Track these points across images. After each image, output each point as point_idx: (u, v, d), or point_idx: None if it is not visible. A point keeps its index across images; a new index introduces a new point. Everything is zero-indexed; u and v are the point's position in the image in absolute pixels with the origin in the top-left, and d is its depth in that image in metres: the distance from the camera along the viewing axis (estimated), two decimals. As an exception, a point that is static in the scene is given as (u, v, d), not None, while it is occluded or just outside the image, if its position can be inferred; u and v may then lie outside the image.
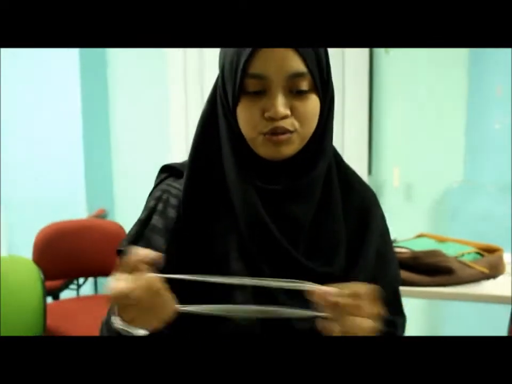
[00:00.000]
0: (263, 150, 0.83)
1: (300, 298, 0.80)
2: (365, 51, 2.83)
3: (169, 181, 0.92)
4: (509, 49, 2.65)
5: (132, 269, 0.69)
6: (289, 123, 0.80)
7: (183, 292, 0.75)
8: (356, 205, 0.92)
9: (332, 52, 0.88)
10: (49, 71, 3.27)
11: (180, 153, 3.21)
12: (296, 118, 0.81)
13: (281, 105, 0.78)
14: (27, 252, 2.48)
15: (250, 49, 0.78)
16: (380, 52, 2.89)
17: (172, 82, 3.18)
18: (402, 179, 2.93)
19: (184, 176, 0.88)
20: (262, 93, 0.80)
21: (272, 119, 0.79)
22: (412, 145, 2.93)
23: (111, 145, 3.46)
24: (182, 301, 0.75)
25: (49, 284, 2.50)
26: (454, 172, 2.86)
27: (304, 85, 0.80)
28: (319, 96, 0.83)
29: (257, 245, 0.84)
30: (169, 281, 0.74)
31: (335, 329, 0.71)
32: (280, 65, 0.78)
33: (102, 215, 2.95)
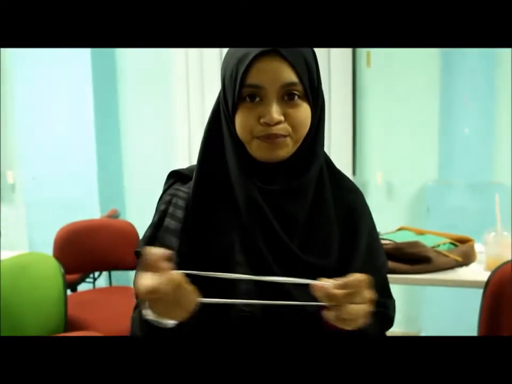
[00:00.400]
0: (259, 153, 0.84)
1: (300, 290, 0.81)
2: (348, 65, 2.86)
3: (177, 185, 0.92)
4: (476, 62, 2.70)
5: (153, 267, 0.69)
6: (282, 128, 0.82)
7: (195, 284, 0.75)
8: (346, 204, 0.93)
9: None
10: (63, 73, 3.21)
11: (184, 156, 3.22)
12: (289, 123, 0.82)
13: (275, 112, 0.80)
14: (45, 249, 2.48)
15: (248, 61, 0.80)
16: (362, 65, 2.93)
17: (176, 88, 3.19)
18: (383, 179, 2.97)
19: (193, 178, 0.89)
20: (258, 101, 0.82)
21: (267, 125, 0.81)
22: (392, 149, 2.97)
23: (122, 150, 3.46)
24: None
25: (68, 277, 2.51)
26: (429, 171, 2.90)
27: (296, 94, 0.82)
28: (309, 104, 0.84)
29: (258, 238, 0.84)
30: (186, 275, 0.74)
31: (336, 317, 0.73)
32: (274, 76, 0.80)
33: (114, 215, 2.96)
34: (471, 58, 2.68)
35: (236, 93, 0.82)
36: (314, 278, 0.83)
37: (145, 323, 0.76)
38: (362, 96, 2.98)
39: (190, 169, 0.94)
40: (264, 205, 0.84)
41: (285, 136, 0.82)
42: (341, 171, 0.97)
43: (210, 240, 0.86)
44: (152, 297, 0.69)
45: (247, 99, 0.82)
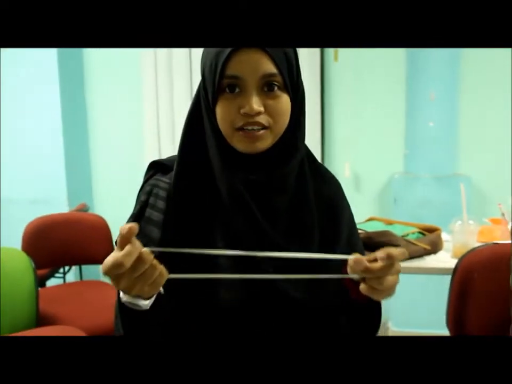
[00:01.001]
0: (240, 145, 0.84)
1: (282, 269, 0.83)
2: (316, 60, 2.91)
3: (158, 176, 0.92)
4: (440, 57, 2.78)
5: (121, 243, 0.67)
6: (263, 119, 0.82)
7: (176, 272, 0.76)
8: (327, 195, 0.94)
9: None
10: (29, 71, 3.18)
11: (152, 150, 3.20)
12: (269, 114, 0.82)
13: (255, 102, 0.80)
14: (12, 245, 2.42)
15: (227, 52, 0.79)
16: (330, 59, 2.98)
17: (145, 83, 3.16)
18: (351, 171, 3.02)
19: (174, 169, 0.89)
20: (238, 92, 0.81)
21: (248, 115, 0.81)
22: (359, 142, 3.02)
23: (90, 145, 3.41)
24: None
25: (37, 272, 2.47)
26: (396, 164, 2.96)
27: (276, 85, 0.82)
28: (289, 95, 0.84)
29: (240, 228, 0.85)
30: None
31: (371, 289, 0.76)
32: (253, 67, 0.80)
33: (83, 209, 2.91)
34: (435, 53, 2.76)
35: (215, 84, 0.82)
36: (295, 269, 0.85)
37: (122, 306, 0.76)
38: (330, 90, 3.02)
39: (170, 159, 0.94)
40: (247, 194, 0.85)
41: (265, 127, 0.83)
42: (320, 162, 0.98)
43: (193, 231, 0.86)
44: (114, 272, 0.67)
45: (227, 90, 0.82)
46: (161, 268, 0.70)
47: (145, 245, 0.79)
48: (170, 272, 0.72)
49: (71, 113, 3.26)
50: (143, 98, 3.18)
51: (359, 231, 1.88)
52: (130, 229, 0.66)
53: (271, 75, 0.81)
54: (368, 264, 0.75)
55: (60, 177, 3.17)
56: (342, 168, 3.01)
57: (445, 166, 2.83)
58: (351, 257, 0.76)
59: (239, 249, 0.83)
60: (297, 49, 0.89)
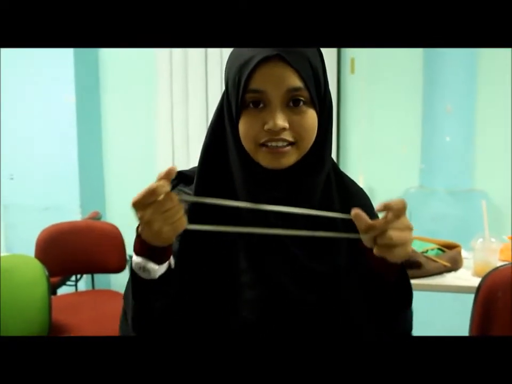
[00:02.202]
0: (264, 161, 0.81)
1: (306, 287, 0.82)
2: (333, 71, 2.89)
3: (181, 186, 0.90)
4: (457, 71, 2.75)
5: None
6: (288, 135, 0.79)
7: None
8: (352, 207, 0.91)
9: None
10: (45, 73, 3.17)
11: (166, 159, 3.18)
12: (294, 131, 0.79)
13: (279, 118, 0.77)
14: (23, 251, 2.41)
15: (252, 66, 0.77)
16: (346, 72, 2.96)
17: (159, 91, 3.15)
18: (366, 184, 2.99)
19: (195, 182, 0.87)
20: (262, 107, 0.79)
21: (271, 131, 0.78)
22: (374, 155, 2.99)
23: (103, 152, 3.41)
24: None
25: (49, 280, 2.45)
26: (411, 178, 2.93)
27: (302, 99, 0.79)
28: (316, 110, 0.81)
29: (263, 246, 0.83)
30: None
31: (379, 246, 0.74)
32: (278, 81, 0.77)
33: (96, 217, 2.89)
34: (452, 65, 2.73)
35: (239, 98, 0.80)
36: (320, 287, 0.84)
37: (132, 274, 0.77)
38: (346, 102, 3.00)
39: (193, 170, 0.91)
40: (269, 212, 0.82)
41: (290, 144, 0.80)
42: (348, 176, 0.96)
43: (214, 247, 0.84)
44: (145, 199, 0.68)
45: (251, 105, 0.79)
46: (182, 214, 0.72)
47: None
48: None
49: (86, 120, 3.25)
50: (158, 105, 3.17)
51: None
52: (171, 169, 0.70)
53: (296, 89, 0.78)
54: (368, 219, 0.74)
55: (73, 185, 3.16)
56: (356, 181, 2.97)
57: (461, 181, 2.80)
58: (357, 210, 0.75)
59: (263, 270, 0.82)
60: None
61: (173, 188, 0.91)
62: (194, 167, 0.92)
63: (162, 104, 3.15)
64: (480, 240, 1.85)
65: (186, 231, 0.83)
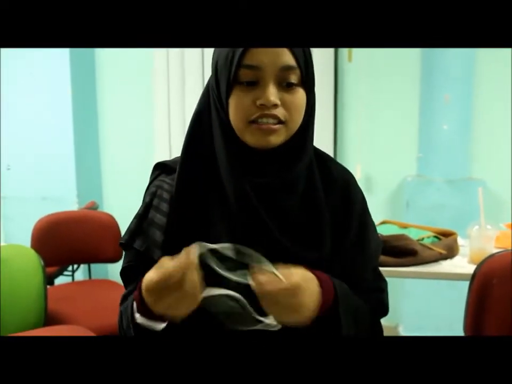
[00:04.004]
0: (252, 138, 0.80)
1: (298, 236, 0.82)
2: (330, 60, 2.86)
3: (162, 177, 0.90)
4: (455, 60, 2.72)
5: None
6: (279, 112, 0.79)
7: None
8: (338, 193, 0.89)
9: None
10: (42, 70, 3.17)
11: (163, 149, 3.16)
12: (285, 109, 0.79)
13: (272, 94, 0.77)
14: (21, 242, 2.39)
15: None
16: (343, 60, 2.93)
17: (155, 82, 3.13)
18: (363, 173, 2.97)
19: (177, 170, 0.86)
20: (255, 83, 0.78)
21: (264, 106, 0.77)
22: (372, 144, 2.97)
23: (100, 142, 3.39)
24: None
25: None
26: (409, 167, 2.91)
27: (294, 79, 0.79)
28: (305, 91, 0.81)
29: (248, 232, 0.82)
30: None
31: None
32: (273, 58, 0.77)
33: (93, 207, 2.88)
34: (450, 55, 2.70)
35: (231, 74, 0.78)
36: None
37: (136, 326, 0.77)
38: (343, 90, 2.98)
39: (174, 161, 0.91)
40: (255, 198, 0.81)
41: (280, 122, 0.79)
42: (333, 159, 0.94)
43: (198, 234, 0.82)
44: (162, 285, 0.70)
45: (243, 81, 0.79)
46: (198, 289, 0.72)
47: (148, 247, 0.84)
48: None
49: (82, 111, 3.24)
50: (154, 98, 3.15)
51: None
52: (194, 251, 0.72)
53: (290, 67, 0.79)
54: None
55: (69, 175, 3.15)
56: (353, 169, 2.94)
57: (459, 170, 2.78)
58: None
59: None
60: (311, 48, 0.85)
61: (155, 178, 0.91)
62: (176, 158, 0.92)
63: (159, 95, 3.13)
64: (476, 227, 1.84)
65: (171, 224, 0.84)
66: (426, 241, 1.89)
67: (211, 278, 0.75)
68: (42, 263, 2.08)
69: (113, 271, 3.08)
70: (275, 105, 0.78)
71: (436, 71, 2.76)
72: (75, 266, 2.79)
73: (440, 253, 1.85)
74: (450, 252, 1.88)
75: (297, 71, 0.79)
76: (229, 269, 0.76)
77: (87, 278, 2.78)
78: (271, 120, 0.79)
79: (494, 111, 2.76)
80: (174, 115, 3.11)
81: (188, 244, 0.80)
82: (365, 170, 2.97)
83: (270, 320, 0.75)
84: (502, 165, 2.75)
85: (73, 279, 2.76)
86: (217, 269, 0.75)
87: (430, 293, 2.55)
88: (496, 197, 2.73)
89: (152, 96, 3.14)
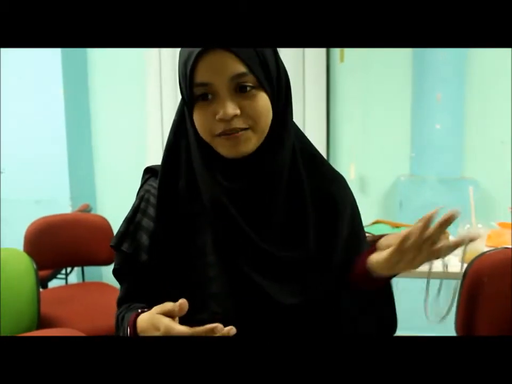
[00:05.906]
0: (223, 150, 0.81)
1: (274, 277, 0.82)
2: (322, 61, 2.87)
3: (151, 181, 0.91)
4: (447, 60, 2.74)
5: None
6: (240, 122, 0.78)
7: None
8: (325, 193, 0.89)
9: (291, 58, 0.86)
10: (34, 72, 3.15)
11: (156, 152, 3.15)
12: (246, 116, 0.78)
13: (229, 106, 0.77)
14: (15, 245, 2.39)
15: (193, 59, 0.76)
16: (335, 60, 2.94)
17: (148, 84, 3.12)
18: (357, 173, 2.98)
19: (158, 178, 0.87)
20: (211, 98, 0.78)
21: (223, 120, 0.77)
22: (365, 144, 2.98)
23: (93, 145, 3.38)
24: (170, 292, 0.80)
25: (39, 273, 2.43)
26: (401, 166, 2.92)
27: (250, 83, 0.78)
28: (267, 93, 0.80)
29: (228, 239, 0.83)
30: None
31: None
32: (220, 70, 0.76)
33: (86, 210, 2.88)
34: (442, 55, 2.72)
35: (188, 93, 0.79)
36: (290, 272, 0.83)
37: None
38: (335, 91, 2.98)
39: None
40: (230, 205, 0.81)
41: (244, 129, 0.79)
42: (322, 157, 0.93)
43: (184, 241, 0.84)
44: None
45: (200, 98, 0.79)
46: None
47: (134, 250, 0.86)
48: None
49: (75, 114, 3.23)
50: (147, 98, 3.14)
51: (366, 234, 1.87)
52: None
53: (241, 75, 0.77)
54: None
55: (63, 178, 3.14)
56: (347, 169, 2.98)
57: (451, 169, 2.79)
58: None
59: (229, 261, 0.82)
60: (303, 48, 0.85)
61: (145, 182, 0.93)
62: None
63: (152, 96, 3.12)
64: (468, 226, 1.85)
65: (157, 231, 0.85)
66: (418, 240, 1.90)
67: None
68: (35, 266, 2.09)
69: (107, 273, 3.08)
70: (235, 116, 0.78)
71: (428, 71, 2.78)
72: (68, 269, 2.79)
73: (432, 252, 1.86)
74: (442, 251, 1.89)
75: (251, 77, 0.78)
76: None
77: (81, 280, 2.78)
78: (235, 130, 0.78)
79: (486, 110, 2.78)
80: (166, 116, 3.11)
81: (174, 249, 0.82)
82: (359, 169, 2.98)
83: None
84: (494, 164, 2.77)
85: (66, 282, 2.76)
86: None
87: (418, 291, 2.56)
88: (488, 196, 2.74)
89: (144, 97, 3.13)
